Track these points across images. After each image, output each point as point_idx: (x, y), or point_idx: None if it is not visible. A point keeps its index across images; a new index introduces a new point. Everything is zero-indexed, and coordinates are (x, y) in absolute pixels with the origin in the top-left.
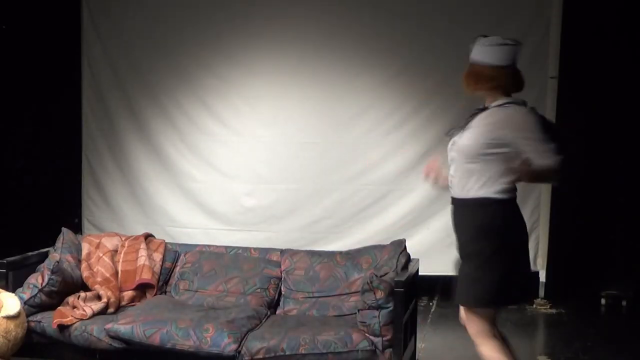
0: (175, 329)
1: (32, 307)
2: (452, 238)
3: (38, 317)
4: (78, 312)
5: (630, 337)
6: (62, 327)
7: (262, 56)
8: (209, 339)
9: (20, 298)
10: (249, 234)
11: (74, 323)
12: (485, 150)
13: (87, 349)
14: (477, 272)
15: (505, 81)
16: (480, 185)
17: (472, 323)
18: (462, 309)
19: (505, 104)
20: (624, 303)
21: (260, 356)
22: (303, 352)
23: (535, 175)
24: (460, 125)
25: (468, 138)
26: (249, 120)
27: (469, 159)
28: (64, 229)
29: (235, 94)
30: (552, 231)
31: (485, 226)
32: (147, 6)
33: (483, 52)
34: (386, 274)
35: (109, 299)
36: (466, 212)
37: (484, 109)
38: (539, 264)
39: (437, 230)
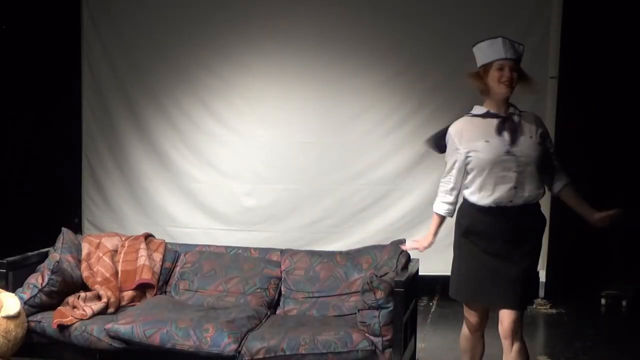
0: (175, 329)
1: (32, 307)
2: (452, 238)
3: (38, 317)
4: (78, 312)
5: (630, 337)
6: (62, 327)
7: (262, 56)
8: (209, 339)
9: (20, 298)
10: (249, 234)
11: (74, 323)
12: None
13: (87, 349)
14: (530, 273)
15: None
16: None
17: (515, 325)
18: (504, 312)
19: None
20: (624, 303)
21: (260, 356)
22: (303, 352)
23: None
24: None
25: (534, 147)
26: (249, 120)
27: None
28: (64, 229)
29: (235, 94)
30: (552, 231)
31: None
32: (147, 6)
33: (520, 51)
34: (386, 274)
35: (109, 299)
36: (540, 214)
37: (512, 113)
38: (538, 264)
39: None
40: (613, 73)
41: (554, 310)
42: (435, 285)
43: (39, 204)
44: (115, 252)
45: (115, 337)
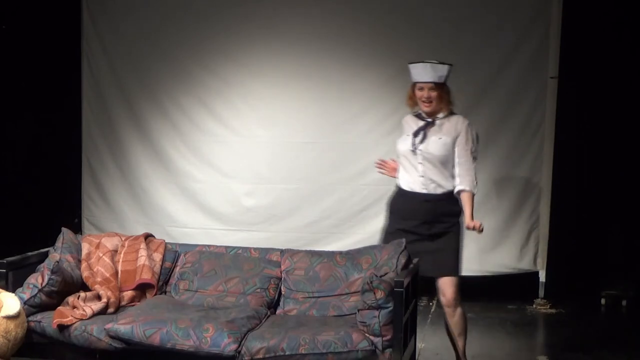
0: (175, 329)
1: (32, 307)
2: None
3: (38, 317)
4: (78, 312)
5: (630, 337)
6: (62, 327)
7: (262, 56)
8: (208, 339)
9: (20, 298)
10: (249, 234)
11: (73, 323)
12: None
13: (87, 349)
14: (459, 245)
15: None
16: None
17: (454, 290)
18: (442, 281)
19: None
20: (624, 303)
21: (260, 356)
22: (303, 352)
23: None
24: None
25: (442, 149)
26: (249, 120)
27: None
28: (63, 229)
29: (235, 94)
30: (552, 231)
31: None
32: (147, 6)
33: (448, 73)
34: (386, 274)
35: (108, 299)
36: (451, 203)
37: (438, 118)
38: (538, 264)
39: None
40: (613, 73)
41: (554, 310)
42: (435, 285)
43: (39, 204)
44: (115, 252)
45: (115, 337)
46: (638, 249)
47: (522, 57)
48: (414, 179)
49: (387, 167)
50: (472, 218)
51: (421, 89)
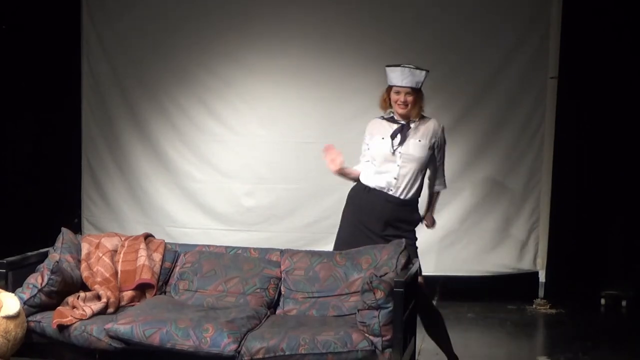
0: (175, 329)
1: (31, 307)
2: (452, 238)
3: (38, 317)
4: (78, 312)
5: (630, 337)
6: (62, 327)
7: (262, 56)
8: (208, 339)
9: (20, 298)
10: (249, 234)
11: (73, 323)
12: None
13: (86, 349)
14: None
15: None
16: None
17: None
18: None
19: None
20: (624, 303)
21: (260, 356)
22: (303, 352)
23: None
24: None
25: (421, 151)
26: (248, 120)
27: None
28: (63, 229)
29: (235, 94)
30: (552, 231)
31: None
32: (147, 6)
33: (424, 79)
34: (386, 274)
35: (108, 299)
36: (413, 211)
37: (412, 121)
38: (538, 264)
39: (436, 230)
40: (613, 73)
41: (553, 310)
42: (435, 285)
43: (38, 204)
44: (115, 252)
45: (114, 337)
46: (638, 249)
47: (522, 57)
48: (386, 179)
49: (332, 153)
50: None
51: (398, 92)
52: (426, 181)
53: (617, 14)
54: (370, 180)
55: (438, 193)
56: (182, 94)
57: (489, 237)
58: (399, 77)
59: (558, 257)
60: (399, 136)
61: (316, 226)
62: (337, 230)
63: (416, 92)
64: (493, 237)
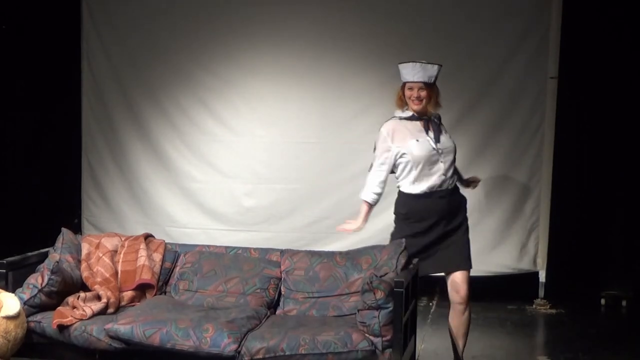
0: (175, 329)
1: (31, 308)
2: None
3: (38, 317)
4: (78, 313)
5: (630, 337)
6: (62, 328)
7: (262, 56)
8: (208, 339)
9: (20, 298)
10: (249, 234)
11: (73, 323)
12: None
13: (86, 349)
14: (468, 238)
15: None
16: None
17: (468, 287)
18: (457, 277)
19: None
20: (624, 303)
21: (260, 356)
22: (303, 352)
23: None
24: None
25: (450, 140)
26: (248, 120)
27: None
28: (63, 229)
29: (235, 94)
30: (552, 231)
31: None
32: (147, 6)
33: (437, 74)
34: (386, 274)
35: (108, 299)
36: (460, 195)
37: (431, 114)
38: (538, 264)
39: None
40: (613, 73)
41: (553, 311)
42: (435, 286)
43: (38, 204)
44: (115, 252)
45: (115, 337)
46: (638, 249)
47: (522, 57)
48: (433, 181)
49: (348, 227)
50: None
51: (411, 88)
52: None
53: (617, 14)
54: (417, 186)
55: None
56: (182, 94)
57: (489, 237)
58: (411, 72)
59: (558, 257)
60: (430, 133)
61: (316, 226)
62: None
63: (429, 87)
64: (493, 237)
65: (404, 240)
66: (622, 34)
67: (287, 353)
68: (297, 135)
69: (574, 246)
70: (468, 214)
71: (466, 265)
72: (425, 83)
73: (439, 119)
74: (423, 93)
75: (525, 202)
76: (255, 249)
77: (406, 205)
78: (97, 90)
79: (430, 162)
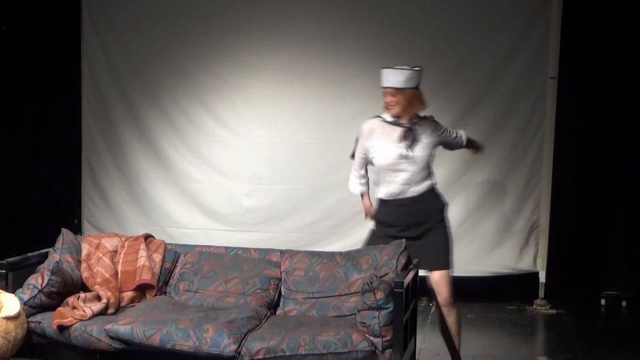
0: (175, 330)
1: (31, 308)
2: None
3: (38, 317)
4: (78, 313)
5: (630, 338)
6: (62, 328)
7: (262, 56)
8: (208, 339)
9: (20, 299)
10: (249, 235)
11: (73, 324)
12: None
13: (87, 350)
14: (448, 238)
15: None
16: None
17: (449, 288)
18: (436, 275)
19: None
20: (624, 303)
21: (260, 357)
22: (303, 352)
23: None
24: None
25: (427, 149)
26: (248, 120)
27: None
28: (63, 230)
29: (235, 94)
30: (552, 231)
31: (444, 205)
32: (147, 6)
33: (412, 78)
34: (386, 274)
35: (108, 300)
36: (430, 202)
37: (414, 122)
38: (538, 264)
39: None
40: (613, 73)
41: (553, 311)
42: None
43: (38, 204)
44: (115, 252)
45: (115, 337)
46: (638, 249)
47: (522, 57)
48: (393, 188)
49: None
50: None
51: (384, 94)
52: (450, 152)
53: (617, 14)
54: (379, 190)
55: (466, 139)
56: (182, 94)
57: (489, 237)
58: (383, 78)
59: (558, 257)
60: (407, 140)
61: (316, 226)
62: (337, 230)
63: (401, 92)
64: (493, 237)
65: (404, 240)
66: (622, 34)
67: (287, 353)
68: (297, 136)
69: (574, 246)
70: (466, 214)
71: (442, 265)
72: (395, 88)
73: (432, 121)
74: (393, 99)
75: (525, 202)
76: (255, 250)
77: (378, 207)
78: (96, 90)
79: (392, 169)
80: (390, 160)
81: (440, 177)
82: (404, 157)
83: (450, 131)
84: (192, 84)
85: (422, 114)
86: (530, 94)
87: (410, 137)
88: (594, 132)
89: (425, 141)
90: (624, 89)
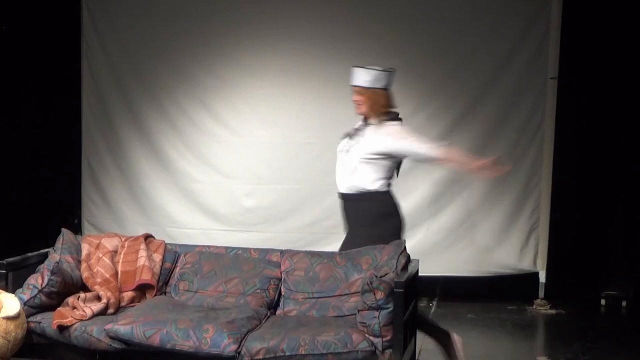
0: (175, 330)
1: (31, 308)
2: (452, 239)
3: (38, 317)
4: (78, 313)
5: (630, 338)
6: (62, 328)
7: (262, 56)
8: (208, 339)
9: (20, 299)
10: (249, 235)
11: (73, 324)
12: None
13: (87, 350)
14: (357, 242)
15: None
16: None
17: None
18: None
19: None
20: (624, 303)
21: (260, 357)
22: (303, 352)
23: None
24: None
25: (365, 150)
26: (248, 120)
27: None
28: (63, 230)
29: (235, 94)
30: (552, 231)
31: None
32: (147, 7)
33: (380, 78)
34: (386, 274)
35: (108, 300)
36: (359, 205)
37: (369, 124)
38: (538, 264)
39: (436, 230)
40: (613, 74)
41: (553, 311)
42: (435, 286)
43: (38, 204)
44: (115, 252)
45: (115, 337)
46: (638, 249)
47: (522, 57)
48: (336, 177)
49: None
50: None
51: (352, 92)
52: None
53: (617, 14)
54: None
55: (445, 150)
56: (182, 94)
57: (489, 238)
58: (352, 76)
59: (558, 257)
60: (352, 137)
61: (316, 226)
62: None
63: (365, 91)
64: (493, 237)
65: (404, 240)
66: (622, 34)
67: (287, 353)
68: (297, 136)
69: (574, 246)
70: (466, 214)
71: None
72: (360, 87)
73: (396, 131)
74: (359, 97)
75: (525, 202)
76: (255, 250)
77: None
78: (96, 90)
79: (340, 160)
80: (339, 150)
81: (441, 177)
82: (345, 152)
83: (404, 149)
84: (192, 84)
85: (392, 122)
86: (530, 94)
87: (359, 132)
88: (594, 132)
89: (366, 145)
90: (624, 89)
